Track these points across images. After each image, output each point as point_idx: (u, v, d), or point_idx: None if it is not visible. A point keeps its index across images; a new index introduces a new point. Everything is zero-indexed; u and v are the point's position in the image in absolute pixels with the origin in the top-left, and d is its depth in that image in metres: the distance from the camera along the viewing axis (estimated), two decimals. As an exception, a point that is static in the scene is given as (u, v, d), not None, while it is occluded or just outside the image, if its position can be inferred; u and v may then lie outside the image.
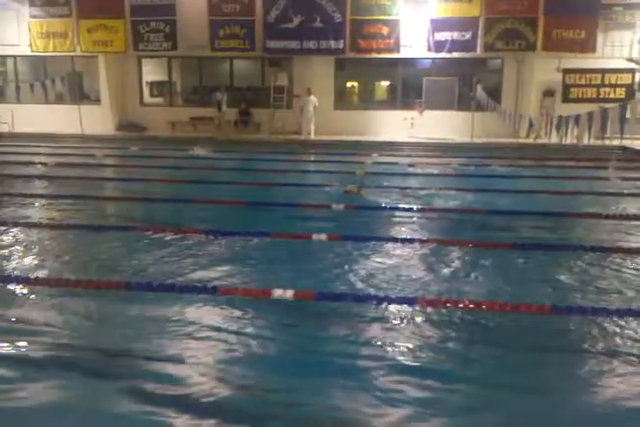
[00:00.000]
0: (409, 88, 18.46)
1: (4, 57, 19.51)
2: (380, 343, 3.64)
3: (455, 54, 17.17)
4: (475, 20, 16.81)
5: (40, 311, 4.11)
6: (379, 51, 17.39)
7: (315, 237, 5.88)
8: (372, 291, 4.52)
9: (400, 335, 3.75)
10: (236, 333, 3.79)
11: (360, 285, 4.69)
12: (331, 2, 17.19)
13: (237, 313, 4.09)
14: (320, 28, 17.34)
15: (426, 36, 17.04)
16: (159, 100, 19.89)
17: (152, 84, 19.83)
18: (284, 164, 11.97)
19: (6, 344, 3.56)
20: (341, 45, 17.39)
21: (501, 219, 7.14)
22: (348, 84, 19.54)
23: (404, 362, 3.42)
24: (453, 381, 3.25)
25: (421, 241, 5.94)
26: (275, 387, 3.16)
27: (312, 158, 14.31)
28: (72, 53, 18.56)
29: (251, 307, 4.19)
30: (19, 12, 18.37)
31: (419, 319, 3.99)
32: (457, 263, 5.29)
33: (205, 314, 4.06)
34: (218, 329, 3.82)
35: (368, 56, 17.65)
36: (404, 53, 17.35)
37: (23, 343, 3.59)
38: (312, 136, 17.05)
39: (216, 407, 2.92)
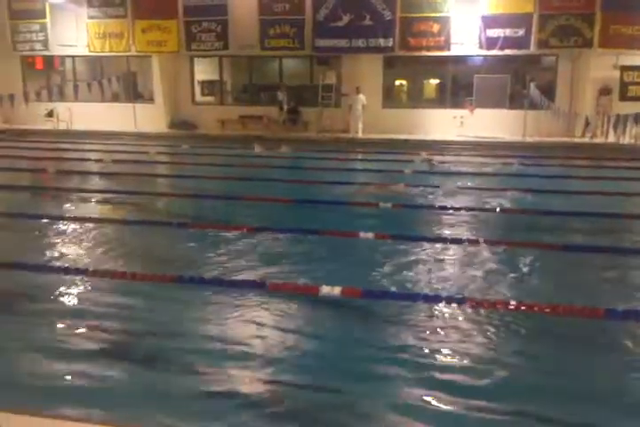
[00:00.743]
0: (459, 86, 18.20)
1: (64, 57, 20.23)
2: (426, 343, 3.64)
3: (507, 51, 16.81)
4: (528, 17, 16.43)
5: (97, 302, 4.28)
6: (429, 48, 17.22)
7: (362, 235, 5.90)
8: (419, 289, 4.52)
9: (448, 335, 3.74)
10: (282, 328, 3.86)
11: (408, 283, 4.70)
12: (380, 0, 17.14)
13: (285, 309, 4.16)
14: (369, 26, 17.30)
15: (477, 33, 16.77)
16: (210, 98, 20.23)
17: (203, 83, 20.19)
18: (331, 162, 12.01)
19: (71, 331, 3.73)
20: (391, 43, 17.31)
21: (554, 220, 6.99)
22: (397, 83, 19.41)
23: (450, 363, 3.41)
24: (501, 385, 3.20)
25: (470, 241, 5.88)
26: (318, 384, 3.18)
27: (360, 157, 14.30)
28: (127, 53, 19.09)
29: (299, 303, 4.25)
30: (77, 13, 19.02)
31: (467, 320, 3.97)
32: (507, 264, 5.22)
33: (253, 309, 4.15)
34: (265, 324, 3.91)
35: (418, 54, 17.50)
36: (454, 51, 17.12)
37: (85, 330, 3.75)
38: (360, 134, 17.03)
39: (260, 401, 2.99)
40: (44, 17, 19.38)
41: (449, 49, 17.07)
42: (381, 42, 17.34)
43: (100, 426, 2.32)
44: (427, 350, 3.54)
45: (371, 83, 17.85)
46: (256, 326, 3.89)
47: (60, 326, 3.88)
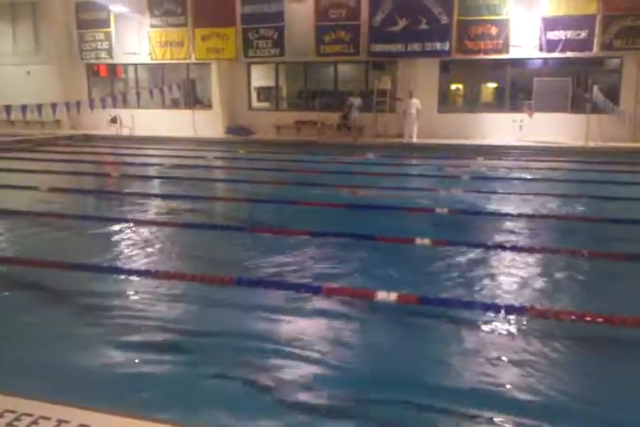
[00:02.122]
0: (518, 89, 17.82)
1: (127, 65, 20.99)
2: (482, 353, 3.58)
3: (569, 54, 16.37)
4: (591, 18, 15.95)
5: (156, 302, 4.42)
6: (486, 52, 16.95)
7: (418, 241, 5.86)
8: (477, 298, 4.45)
9: (506, 346, 3.66)
10: (336, 332, 3.88)
11: (464, 291, 4.63)
12: (437, 3, 17.00)
13: (341, 313, 4.18)
14: (425, 30, 17.20)
15: (537, 35, 16.40)
16: (266, 104, 20.56)
17: (259, 90, 20.54)
18: (386, 167, 11.99)
19: (129, 330, 3.87)
20: (447, 47, 17.14)
21: (618, 228, 6.75)
22: (453, 87, 19.18)
23: (506, 375, 3.32)
24: (562, 401, 3.08)
25: (530, 249, 5.75)
26: (368, 391, 3.16)
27: (414, 162, 14.21)
28: (187, 61, 19.64)
29: (354, 308, 4.26)
30: (140, 22, 19.71)
31: (528, 330, 3.88)
32: (568, 273, 5.07)
33: (309, 312, 4.19)
34: (319, 328, 3.93)
35: (475, 57, 17.25)
36: (513, 54, 16.80)
37: (144, 329, 3.88)
38: (414, 139, 16.91)
39: (308, 403, 3.01)
40: (109, 26, 20.18)
41: (507, 52, 16.75)
42: (438, 45, 17.21)
43: (152, 422, 2.39)
44: (483, 360, 3.48)
45: (426, 87, 17.71)
46: (309, 328, 3.92)
47: (116, 324, 4.01)
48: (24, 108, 16.31)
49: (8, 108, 16.16)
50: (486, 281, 4.85)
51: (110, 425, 2.33)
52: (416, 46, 17.36)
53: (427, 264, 5.37)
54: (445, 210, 7.42)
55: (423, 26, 17.20)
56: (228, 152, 15.48)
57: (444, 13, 16.98)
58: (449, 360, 3.48)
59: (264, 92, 20.56)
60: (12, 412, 2.41)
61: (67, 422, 2.33)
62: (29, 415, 2.39)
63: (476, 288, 4.70)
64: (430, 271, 5.14)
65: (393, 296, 4.20)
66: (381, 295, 4.23)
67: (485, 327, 3.93)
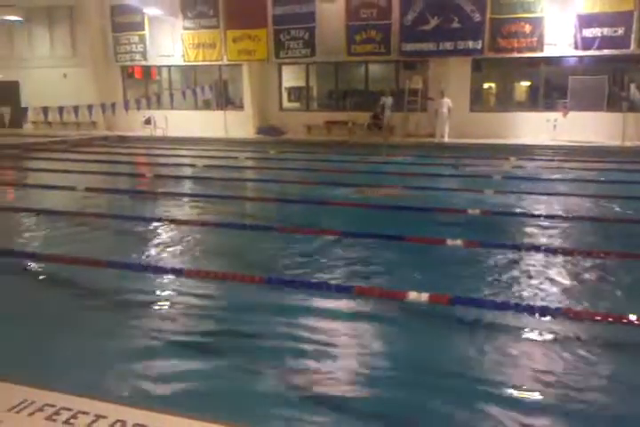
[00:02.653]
0: (552, 88, 17.51)
1: (160, 67, 21.32)
2: (515, 355, 3.54)
3: (605, 51, 16.02)
4: (628, 15, 15.56)
5: (188, 300, 4.49)
6: (520, 50, 16.71)
7: (449, 242, 5.82)
8: (510, 299, 4.40)
9: (540, 349, 3.62)
10: (366, 332, 3.88)
11: (497, 291, 4.59)
12: (470, 2, 16.83)
13: (371, 313, 4.18)
14: (458, 29, 17.04)
15: (572, 33, 16.09)
16: (296, 104, 20.64)
17: (290, 90, 20.64)
18: (416, 167, 11.93)
19: (164, 327, 3.94)
20: (480, 46, 16.95)
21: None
22: (485, 86, 18.96)
23: (540, 378, 3.27)
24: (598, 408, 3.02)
25: (564, 250, 5.65)
26: (394, 392, 3.16)
27: (445, 162, 14.07)
28: (219, 62, 19.84)
29: (385, 308, 4.26)
30: (174, 25, 19.99)
31: (562, 332, 3.82)
32: (602, 275, 4.98)
33: (340, 312, 4.20)
34: (350, 328, 3.94)
35: (508, 56, 17.02)
36: (547, 52, 16.52)
37: (180, 327, 3.95)
38: (446, 139, 16.78)
39: (336, 402, 3.02)
40: (143, 29, 20.53)
41: (542, 50, 16.49)
42: (470, 44, 17.03)
43: (187, 419, 2.43)
44: (515, 364, 3.45)
45: (458, 86, 17.55)
46: (341, 329, 3.93)
47: (148, 321, 4.10)
48: (61, 109, 16.72)
49: (46, 110, 16.60)
50: (519, 282, 4.80)
51: (146, 421, 2.37)
52: (448, 45, 17.21)
53: (458, 265, 5.33)
54: (477, 211, 7.34)
55: (455, 24, 17.04)
56: (259, 152, 15.60)
57: (476, 11, 16.80)
58: (481, 362, 3.46)
59: (295, 93, 20.65)
60: (52, 406, 2.48)
61: (104, 417, 2.39)
62: (68, 410, 2.45)
63: (509, 289, 4.65)
64: (461, 272, 5.10)
65: (424, 297, 4.19)
66: (412, 296, 4.22)
67: (518, 329, 3.89)
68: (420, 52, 17.61)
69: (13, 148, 16.23)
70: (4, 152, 15.37)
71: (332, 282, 4.77)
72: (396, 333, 3.93)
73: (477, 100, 18.28)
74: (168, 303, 4.46)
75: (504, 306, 4.19)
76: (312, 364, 3.41)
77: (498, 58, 17.25)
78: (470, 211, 7.35)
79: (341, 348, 3.65)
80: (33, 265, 5.34)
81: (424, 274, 5.07)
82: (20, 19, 21.24)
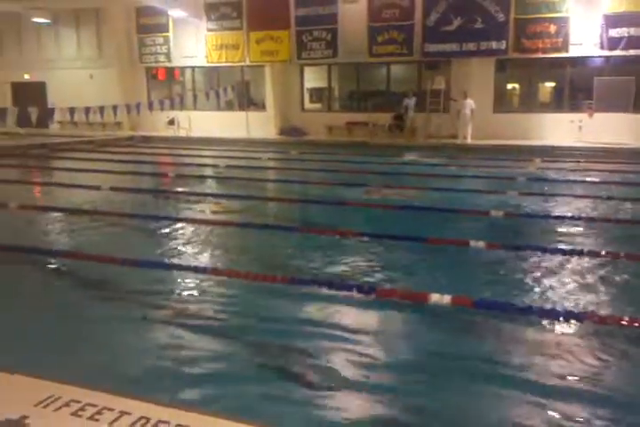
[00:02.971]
0: (577, 89, 17.28)
1: (184, 68, 21.52)
2: (539, 359, 3.49)
3: (631, 52, 15.75)
4: (656, 14, 15.31)
5: (210, 299, 4.53)
6: (544, 50, 16.53)
7: (472, 243, 5.78)
8: (534, 302, 4.35)
9: (564, 353, 3.56)
10: (388, 334, 3.88)
11: (521, 295, 4.54)
12: (493, 2, 16.70)
13: (393, 315, 4.17)
14: (481, 29, 16.92)
15: (598, 33, 15.87)
16: (318, 105, 20.67)
17: (312, 91, 20.68)
18: (439, 168, 11.86)
19: (184, 324, 3.98)
20: (504, 46, 16.81)
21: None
22: (509, 86, 18.80)
23: (562, 384, 3.22)
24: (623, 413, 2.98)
25: (589, 253, 5.57)
26: (415, 396, 3.14)
27: (468, 163, 13.98)
28: (242, 64, 19.96)
29: (407, 309, 4.24)
30: (198, 26, 20.17)
31: (587, 337, 3.77)
32: (629, 278, 4.90)
33: (362, 313, 4.19)
34: (370, 329, 3.94)
35: (533, 56, 16.84)
36: (572, 52, 16.32)
37: (199, 325, 3.99)
38: (468, 140, 16.66)
39: (360, 405, 3.02)
40: (168, 31, 20.75)
41: (567, 50, 16.29)
42: (494, 44, 16.90)
43: (211, 417, 2.45)
44: (540, 369, 3.41)
45: (481, 87, 17.41)
46: (362, 329, 3.92)
47: (173, 319, 4.13)
48: (87, 109, 16.96)
49: (72, 111, 16.85)
50: (543, 285, 4.74)
51: (170, 418, 2.40)
52: (471, 45, 17.10)
53: (480, 267, 5.29)
54: (500, 213, 7.28)
55: (479, 25, 16.92)
56: (280, 153, 15.65)
57: (500, 12, 16.67)
58: (503, 365, 3.43)
59: (316, 94, 20.69)
60: (77, 402, 2.51)
61: (128, 413, 2.42)
62: (93, 406, 2.49)
63: (533, 292, 4.59)
64: (484, 274, 5.06)
65: (446, 299, 4.16)
66: (435, 298, 4.19)
67: (542, 333, 3.84)
68: (442, 52, 17.51)
69: (41, 147, 16.53)
70: (31, 152, 15.65)
71: (354, 282, 4.77)
72: (416, 335, 3.91)
73: (501, 101, 18.11)
74: (189, 300, 4.49)
75: (528, 310, 4.14)
76: (329, 361, 3.42)
77: (522, 58, 17.08)
78: (493, 212, 7.29)
79: (359, 348, 3.64)
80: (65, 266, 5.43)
81: (446, 276, 5.04)
82: (47, 21, 21.61)
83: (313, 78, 20.53)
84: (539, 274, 5.04)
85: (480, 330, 3.96)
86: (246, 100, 20.38)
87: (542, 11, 16.29)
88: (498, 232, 6.77)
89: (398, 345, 3.74)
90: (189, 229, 6.85)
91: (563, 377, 3.26)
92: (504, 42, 16.75)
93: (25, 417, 2.40)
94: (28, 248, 5.74)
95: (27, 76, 22.90)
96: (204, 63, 20.57)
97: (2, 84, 23.06)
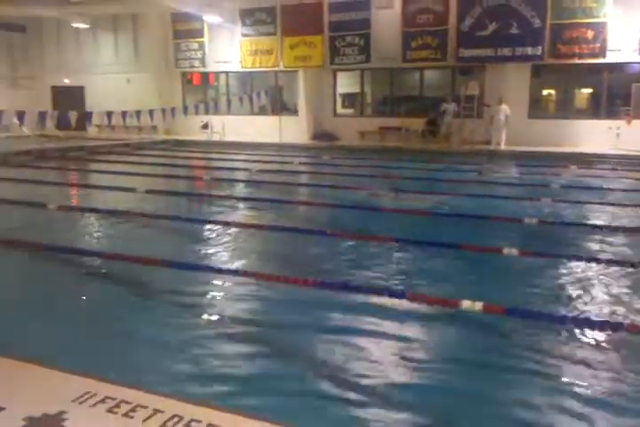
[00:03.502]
0: (615, 95, 16.91)
1: (218, 73, 21.79)
2: (573, 371, 3.44)
3: (672, 57, 15.40)
4: (700, 18, 14.94)
5: (241, 300, 4.58)
6: (581, 56, 16.25)
7: (505, 251, 5.71)
8: (567, 312, 4.28)
9: (598, 364, 3.50)
10: (416, 340, 3.86)
11: (555, 304, 4.47)
12: (529, 7, 16.50)
13: (423, 321, 4.15)
14: (516, 35, 16.72)
15: (637, 38, 15.53)
16: (350, 110, 20.69)
17: (344, 96, 20.72)
18: (472, 174, 11.75)
19: (214, 325, 4.03)
20: (539, 51, 16.58)
21: None
22: (544, 92, 18.52)
23: (598, 396, 3.17)
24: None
25: (625, 262, 5.45)
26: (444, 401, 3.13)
27: (501, 169, 13.82)
28: (275, 69, 20.11)
29: (438, 315, 4.22)
30: (232, 32, 20.41)
31: (624, 348, 3.69)
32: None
33: (392, 318, 4.18)
34: (400, 334, 3.93)
35: (569, 62, 16.58)
36: (610, 58, 15.99)
37: (231, 325, 4.03)
38: (502, 146, 16.47)
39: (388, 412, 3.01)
40: (203, 36, 21.05)
41: (604, 56, 15.98)
42: (529, 50, 16.69)
43: (242, 417, 2.47)
44: (572, 380, 3.35)
45: (516, 92, 17.20)
46: (391, 334, 3.92)
47: (204, 319, 4.20)
48: (124, 113, 17.32)
49: (109, 114, 17.22)
50: (577, 294, 4.66)
51: (202, 417, 2.44)
52: (506, 51, 16.91)
53: (514, 275, 5.23)
54: (534, 220, 7.17)
55: (514, 30, 16.73)
56: (312, 158, 15.70)
57: (536, 17, 16.45)
58: (535, 378, 3.39)
59: (349, 99, 20.72)
60: (113, 399, 2.58)
61: (161, 411, 2.47)
62: (128, 403, 2.55)
63: (567, 301, 4.52)
64: (516, 282, 5.00)
65: (478, 306, 4.12)
66: (466, 304, 4.16)
67: (576, 343, 3.78)
68: (477, 57, 17.37)
69: (79, 150, 16.93)
70: (70, 154, 16.05)
71: (385, 287, 4.76)
72: (445, 341, 3.89)
73: (536, 107, 17.85)
74: (219, 302, 4.55)
75: (562, 319, 4.08)
76: (357, 366, 3.42)
77: (558, 64, 16.82)
78: (527, 220, 7.19)
79: (389, 353, 3.64)
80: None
81: (478, 282, 5.00)
82: (86, 26, 22.15)
83: (346, 83, 20.56)
84: (573, 283, 4.96)
85: (513, 339, 3.91)
86: (279, 104, 20.53)
87: (579, 16, 16.03)
88: (531, 240, 6.67)
89: (428, 351, 3.72)
90: (221, 231, 6.93)
91: (603, 391, 3.20)
92: (540, 47, 16.53)
93: (62, 412, 2.47)
94: (66, 248, 5.89)
95: (66, 81, 23.49)
96: (238, 68, 20.79)
97: (42, 88, 23.71)
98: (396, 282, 4.99)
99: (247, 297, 4.68)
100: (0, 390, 2.66)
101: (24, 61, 23.72)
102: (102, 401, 2.57)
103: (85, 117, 18.28)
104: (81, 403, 2.55)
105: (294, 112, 20.50)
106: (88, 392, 2.63)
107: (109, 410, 2.50)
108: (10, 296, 4.71)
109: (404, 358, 3.59)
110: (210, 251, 6.07)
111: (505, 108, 16.37)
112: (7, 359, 3.03)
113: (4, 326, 3.97)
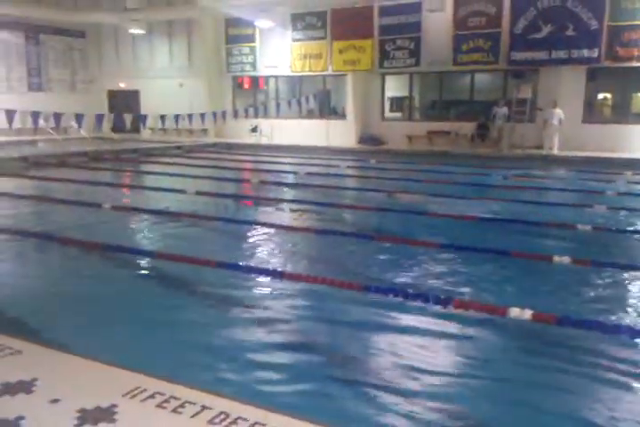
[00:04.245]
0: (675, 99, 16.28)
1: (268, 77, 22.05)
2: (629, 384, 3.33)
3: None
4: None
5: (282, 301, 4.62)
6: (640, 59, 15.70)
7: (556, 258, 5.56)
8: (624, 322, 4.14)
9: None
10: (462, 347, 3.81)
11: (609, 313, 4.33)
12: (586, 8, 16.04)
13: (470, 328, 4.09)
14: (572, 37, 16.28)
15: (702, 39, 14.91)
16: (398, 114, 20.58)
17: (392, 100, 20.62)
18: (524, 179, 11.50)
19: (251, 327, 4.07)
20: (596, 54, 16.09)
21: None
22: (600, 96, 17.96)
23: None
24: None
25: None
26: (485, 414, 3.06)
27: (554, 175, 13.47)
28: (324, 73, 20.21)
29: (485, 322, 4.15)
30: (283, 36, 20.63)
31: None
32: None
33: (437, 324, 4.14)
34: (445, 341, 3.89)
35: (627, 65, 16.02)
36: (671, 60, 15.40)
37: (275, 327, 4.07)
38: (555, 151, 16.05)
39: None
40: (254, 41, 21.35)
41: (665, 59, 15.39)
42: (585, 52, 16.21)
43: (290, 418, 2.49)
44: (623, 391, 3.24)
45: (570, 96, 16.74)
46: (436, 341, 3.88)
47: (250, 320, 4.25)
48: (177, 117, 17.73)
49: (163, 118, 17.67)
50: (632, 304, 4.50)
51: (249, 415, 2.47)
52: (561, 53, 16.49)
53: (565, 283, 5.09)
54: (587, 227, 6.97)
55: (570, 32, 16.29)
56: (359, 161, 15.68)
57: (593, 19, 15.98)
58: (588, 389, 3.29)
59: (397, 103, 20.61)
60: (162, 394, 2.64)
61: (209, 408, 2.52)
62: (177, 399, 2.61)
63: (621, 311, 4.37)
64: (568, 291, 4.86)
65: (527, 314, 4.03)
66: (514, 312, 4.08)
67: (633, 354, 3.65)
68: (530, 60, 16.99)
69: (132, 152, 17.44)
70: (124, 156, 16.54)
71: (430, 293, 4.71)
72: (491, 349, 3.82)
73: (591, 111, 17.33)
74: (264, 304, 4.60)
75: (617, 329, 3.95)
76: (400, 373, 3.40)
77: (615, 67, 16.29)
78: (580, 227, 6.99)
79: (433, 362, 3.60)
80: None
81: (526, 290, 4.89)
82: (143, 32, 22.81)
83: (394, 87, 20.47)
84: (627, 292, 4.79)
85: (566, 349, 3.81)
86: (327, 108, 20.58)
87: (638, 17, 15.49)
88: (584, 247, 6.48)
89: (475, 360, 3.67)
90: (268, 233, 7.01)
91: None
92: (597, 50, 16.03)
93: (114, 406, 2.55)
94: (119, 247, 6.07)
95: (122, 85, 24.23)
96: (287, 72, 20.98)
97: (99, 92, 24.54)
98: (443, 287, 4.93)
99: (290, 299, 4.71)
100: (56, 382, 2.76)
101: (83, 66, 24.58)
102: (152, 396, 2.63)
103: (139, 120, 18.81)
104: (132, 398, 2.62)
105: (342, 116, 20.54)
106: (138, 387, 2.71)
107: (159, 405, 2.56)
108: (66, 292, 4.87)
109: (450, 364, 3.56)
110: (253, 252, 6.15)
111: (559, 111, 15.96)
112: (59, 353, 3.15)
113: (60, 321, 4.13)
